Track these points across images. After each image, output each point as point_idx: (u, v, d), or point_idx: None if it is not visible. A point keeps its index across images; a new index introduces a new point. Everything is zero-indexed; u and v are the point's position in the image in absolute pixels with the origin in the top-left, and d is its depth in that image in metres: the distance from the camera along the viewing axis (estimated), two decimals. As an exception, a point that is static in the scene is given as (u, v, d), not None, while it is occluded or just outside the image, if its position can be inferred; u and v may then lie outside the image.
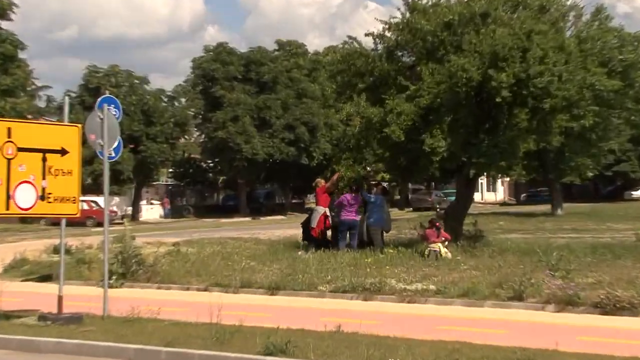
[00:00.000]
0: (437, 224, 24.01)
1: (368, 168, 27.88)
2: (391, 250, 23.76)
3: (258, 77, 76.47)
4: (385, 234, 25.74)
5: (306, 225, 26.06)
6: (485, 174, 29.37)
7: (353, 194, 25.33)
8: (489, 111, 23.48)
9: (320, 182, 26.53)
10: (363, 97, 24.52)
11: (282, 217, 73.52)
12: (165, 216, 78.53)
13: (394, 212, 56.55)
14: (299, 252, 24.47)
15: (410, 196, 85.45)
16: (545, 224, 43.51)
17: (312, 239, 25.54)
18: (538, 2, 24.82)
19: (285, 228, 42.23)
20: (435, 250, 22.96)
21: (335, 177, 26.46)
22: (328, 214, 25.63)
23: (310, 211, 26.90)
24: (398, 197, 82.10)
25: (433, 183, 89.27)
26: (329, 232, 25.87)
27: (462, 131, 23.54)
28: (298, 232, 27.88)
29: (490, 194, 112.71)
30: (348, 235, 25.07)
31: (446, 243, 23.50)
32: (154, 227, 55.86)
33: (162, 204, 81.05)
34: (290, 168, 77.72)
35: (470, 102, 23.31)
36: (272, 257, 23.71)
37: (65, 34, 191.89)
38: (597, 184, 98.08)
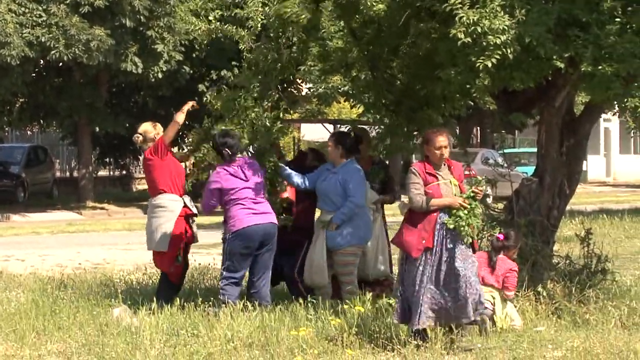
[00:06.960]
0: (501, 238, 9.31)
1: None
2: (359, 308, 9.00)
3: None
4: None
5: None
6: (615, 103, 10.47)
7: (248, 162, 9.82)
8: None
9: (151, 132, 10.39)
10: None
11: (77, 214, 30.51)
12: None
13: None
14: (115, 311, 9.64)
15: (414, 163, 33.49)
16: None
17: (166, 285, 10.07)
18: None
19: (82, 243, 19.38)
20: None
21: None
22: (191, 207, 10.08)
23: (152, 208, 10.51)
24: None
25: (478, 131, 45.46)
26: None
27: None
28: (126, 255, 11.39)
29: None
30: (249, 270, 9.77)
31: (512, 293, 9.14)
32: None
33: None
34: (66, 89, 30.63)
35: None
36: (45, 324, 9.27)
37: None
38: None
